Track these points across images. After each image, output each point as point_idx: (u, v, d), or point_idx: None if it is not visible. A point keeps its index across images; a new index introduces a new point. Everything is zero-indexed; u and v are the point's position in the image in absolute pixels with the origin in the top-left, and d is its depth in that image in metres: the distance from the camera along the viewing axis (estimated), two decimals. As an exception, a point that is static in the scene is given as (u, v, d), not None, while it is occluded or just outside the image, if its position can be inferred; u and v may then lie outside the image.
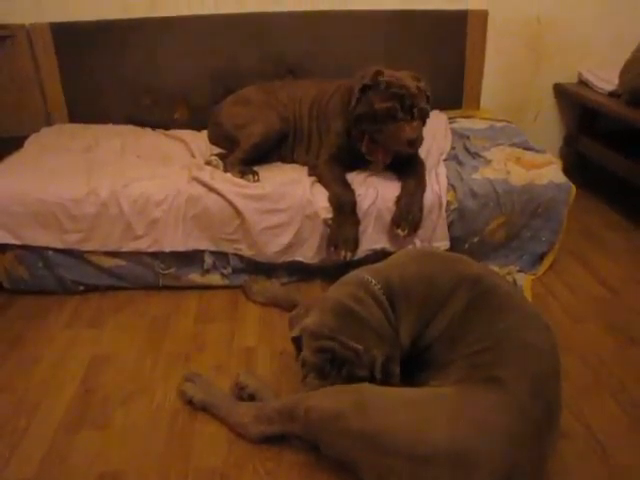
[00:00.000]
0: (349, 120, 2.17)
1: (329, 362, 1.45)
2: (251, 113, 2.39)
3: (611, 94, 2.81)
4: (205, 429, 1.56)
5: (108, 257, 2.15)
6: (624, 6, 2.96)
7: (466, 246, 2.19)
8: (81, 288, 2.18)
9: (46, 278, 2.16)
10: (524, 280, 2.19)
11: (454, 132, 2.59)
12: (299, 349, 1.55)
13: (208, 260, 2.16)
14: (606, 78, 2.89)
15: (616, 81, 2.78)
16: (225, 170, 2.25)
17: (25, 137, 2.58)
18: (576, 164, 2.99)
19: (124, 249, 2.13)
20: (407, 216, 2.06)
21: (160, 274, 2.17)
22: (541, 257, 2.28)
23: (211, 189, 2.10)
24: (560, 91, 3.10)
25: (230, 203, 2.08)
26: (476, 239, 2.19)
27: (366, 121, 2.11)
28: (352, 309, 1.47)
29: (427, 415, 1.29)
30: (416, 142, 2.07)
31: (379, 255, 2.07)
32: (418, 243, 2.16)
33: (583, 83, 3.02)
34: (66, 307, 2.12)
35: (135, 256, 2.15)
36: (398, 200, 2.10)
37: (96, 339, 1.95)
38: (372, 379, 1.45)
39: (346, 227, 2.06)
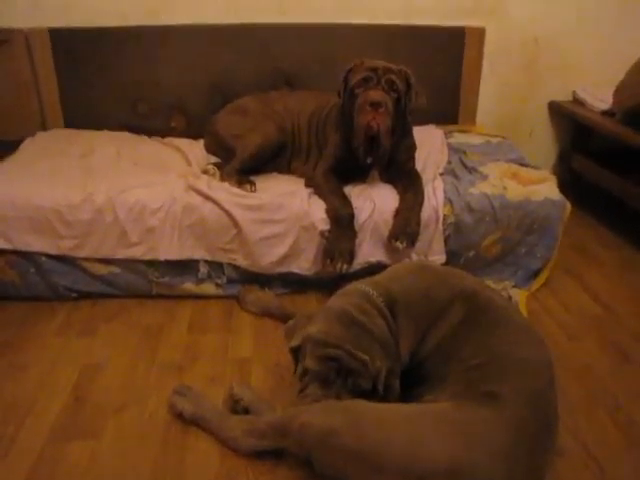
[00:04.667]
0: (345, 123, 2.17)
1: (335, 371, 1.44)
2: (248, 123, 2.39)
3: (605, 113, 2.85)
4: (198, 441, 1.54)
5: (102, 264, 2.14)
6: (619, 27, 3.02)
7: (462, 260, 2.20)
8: (73, 295, 2.16)
9: (38, 284, 2.14)
10: (519, 296, 2.20)
11: (450, 147, 2.61)
12: (297, 360, 1.53)
13: (203, 269, 2.15)
14: (600, 97, 2.93)
15: (610, 100, 2.82)
16: (222, 179, 2.24)
17: (20, 141, 2.57)
18: (570, 181, 3.01)
19: (118, 256, 2.11)
20: (405, 229, 2.07)
21: (154, 282, 2.16)
22: (536, 273, 2.29)
23: (208, 198, 2.10)
24: (555, 109, 3.14)
25: (227, 213, 2.08)
26: (472, 253, 2.20)
27: (349, 104, 2.13)
28: (358, 319, 1.47)
29: (423, 432, 1.28)
30: (379, 106, 2.01)
31: (374, 268, 2.07)
32: (414, 256, 2.16)
33: (578, 101, 3.06)
34: (57, 314, 2.10)
35: (129, 264, 2.13)
36: (397, 213, 2.11)
37: (87, 347, 1.92)
38: (373, 392, 1.44)
39: (343, 239, 2.06)
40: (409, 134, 2.29)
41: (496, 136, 2.78)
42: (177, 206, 2.08)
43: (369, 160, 2.16)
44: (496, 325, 1.48)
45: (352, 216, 2.08)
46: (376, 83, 2.07)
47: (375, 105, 2.02)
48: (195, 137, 2.72)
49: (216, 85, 2.78)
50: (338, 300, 1.56)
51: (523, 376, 1.37)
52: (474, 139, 2.72)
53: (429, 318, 1.50)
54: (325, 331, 1.47)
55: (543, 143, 3.22)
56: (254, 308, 2.11)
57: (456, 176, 2.31)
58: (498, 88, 3.06)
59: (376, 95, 2.04)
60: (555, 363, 1.47)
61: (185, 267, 2.15)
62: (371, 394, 1.43)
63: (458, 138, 2.72)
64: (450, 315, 1.49)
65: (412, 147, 2.31)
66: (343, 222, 2.07)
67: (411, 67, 2.20)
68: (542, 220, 2.21)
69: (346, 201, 2.11)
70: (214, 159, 2.47)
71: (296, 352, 1.53)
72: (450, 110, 2.96)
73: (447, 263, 2.16)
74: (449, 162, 2.45)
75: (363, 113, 2.05)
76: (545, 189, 2.24)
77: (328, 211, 2.10)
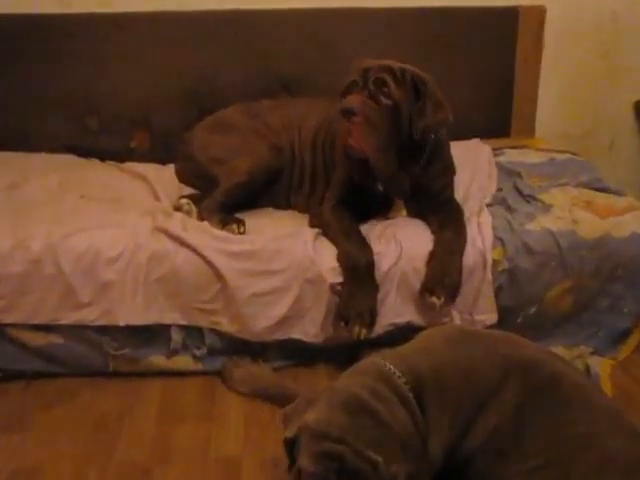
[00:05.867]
0: None
1: (335, 473, 1.46)
2: (234, 143, 2.52)
3: None
4: None
5: (39, 332, 2.22)
6: None
7: (519, 319, 2.28)
8: (-1, 375, 2.24)
9: (-54, 361, 2.21)
10: (601, 366, 2.27)
11: (501, 168, 2.71)
12: (292, 456, 1.57)
13: (176, 337, 2.23)
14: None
15: None
16: (200, 218, 2.36)
17: None
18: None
19: (62, 321, 2.19)
20: (443, 279, 2.15)
21: (110, 356, 2.24)
22: (623, 334, 2.35)
23: (182, 243, 2.19)
24: (643, 111, 3.23)
25: (207, 262, 2.17)
26: (533, 310, 2.28)
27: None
28: (370, 407, 1.50)
29: None
30: (352, 114, 2.08)
31: (403, 332, 2.15)
32: (456, 316, 2.24)
33: (673, 101, 3.15)
34: (-24, 401, 2.17)
35: (77, 331, 2.22)
36: (431, 258, 2.19)
37: (18, 447, 1.97)
38: None
39: (360, 295, 2.14)
40: (442, 153, 2.39)
41: (563, 152, 2.88)
42: (141, 254, 2.17)
43: (380, 187, 2.26)
44: (568, 408, 1.52)
45: (372, 264, 2.17)
46: (363, 87, 2.16)
47: (346, 113, 2.11)
48: (164, 161, 2.85)
49: (191, 92, 2.92)
50: (346, 381, 1.60)
51: (610, 479, 1.40)
52: (533, 157, 2.82)
53: (473, 403, 1.54)
54: (326, 420, 1.50)
55: (628, 158, 3.31)
56: (244, 387, 2.18)
57: (509, 207, 2.40)
58: (564, 87, 3.18)
59: (350, 100, 2.13)
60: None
61: (152, 335, 2.24)
62: None
63: (511, 156, 2.83)
64: (503, 398, 1.53)
65: (448, 170, 2.42)
66: (360, 272, 2.15)
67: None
68: (628, 263, 2.28)
69: (363, 244, 2.20)
70: (189, 190, 2.59)
71: (291, 445, 1.57)
72: (500, 119, 3.08)
73: (500, 324, 2.23)
74: (499, 189, 2.55)
75: (340, 126, 2.15)
76: (631, 221, 2.33)
77: (339, 257, 2.19)
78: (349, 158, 2.18)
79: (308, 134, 2.54)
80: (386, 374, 1.57)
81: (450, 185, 2.43)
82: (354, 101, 2.11)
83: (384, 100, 2.14)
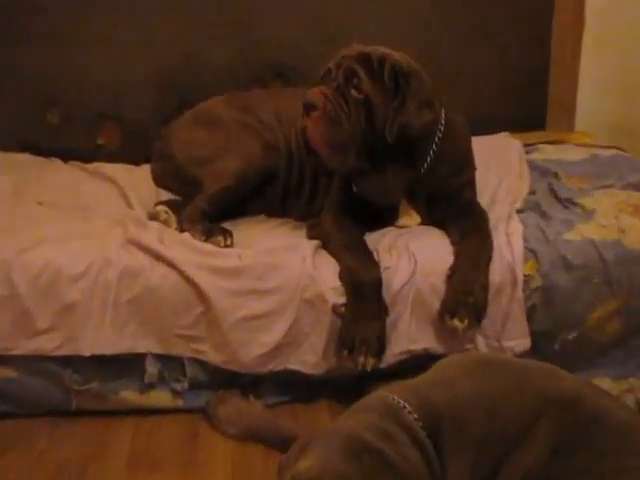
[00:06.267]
0: None
1: None
2: (220, 140, 2.55)
3: None
4: None
5: (-11, 365, 2.24)
6: None
7: (556, 346, 2.29)
8: (-58, 415, 2.25)
9: None
10: (655, 402, 2.28)
11: (534, 167, 2.74)
12: None
13: (151, 369, 2.24)
14: None
15: None
16: (181, 229, 2.39)
17: None
18: None
19: (16, 351, 2.20)
20: (466, 298, 2.16)
21: (74, 392, 2.24)
22: (681, 365, 2.37)
23: (158, 258, 2.21)
24: None
25: (188, 280, 2.19)
26: (573, 335, 2.28)
27: None
28: (375, 449, 1.49)
29: None
30: (311, 108, 2.18)
31: (419, 361, 2.15)
32: (481, 342, 2.26)
33: None
34: None
35: (33, 363, 2.22)
36: (451, 274, 2.21)
37: None
38: None
39: (366, 318, 2.15)
40: (454, 148, 2.40)
41: (607, 147, 2.90)
42: (110, 271, 2.19)
43: (354, 188, 2.31)
44: (612, 453, 1.52)
45: (378, 281, 2.19)
46: (334, 78, 2.22)
47: (306, 107, 2.18)
48: (137, 161, 2.88)
49: (169, 80, 2.95)
50: (350, 419, 1.60)
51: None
52: (572, 154, 2.84)
53: (499, 445, 1.54)
54: (321, 467, 1.48)
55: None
56: (232, 428, 2.19)
57: (544, 213, 2.42)
58: (609, 71, 3.19)
59: (311, 93, 2.20)
60: None
61: (124, 366, 2.25)
62: None
63: (546, 153, 2.85)
64: (535, 439, 1.53)
65: (464, 168, 2.44)
66: (365, 291, 2.17)
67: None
68: (685, 279, 2.29)
69: (369, 259, 2.23)
70: (168, 196, 2.63)
71: None
72: (533, 109, 3.10)
73: (534, 351, 2.24)
74: (532, 192, 2.57)
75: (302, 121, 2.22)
76: (688, 230, 2.34)
77: (342, 274, 2.22)
78: (315, 157, 2.25)
79: (306, 130, 2.57)
80: (394, 409, 1.57)
81: (469, 185, 2.46)
82: (316, 94, 2.19)
83: (353, 93, 2.20)
